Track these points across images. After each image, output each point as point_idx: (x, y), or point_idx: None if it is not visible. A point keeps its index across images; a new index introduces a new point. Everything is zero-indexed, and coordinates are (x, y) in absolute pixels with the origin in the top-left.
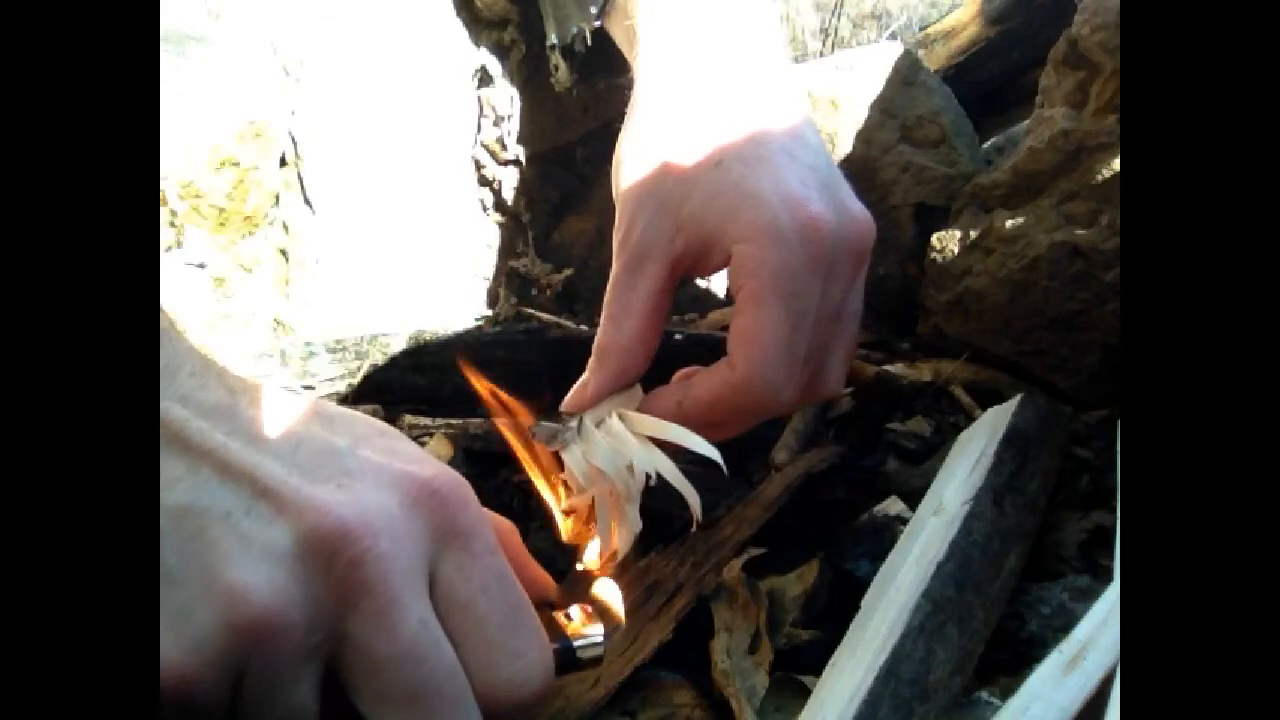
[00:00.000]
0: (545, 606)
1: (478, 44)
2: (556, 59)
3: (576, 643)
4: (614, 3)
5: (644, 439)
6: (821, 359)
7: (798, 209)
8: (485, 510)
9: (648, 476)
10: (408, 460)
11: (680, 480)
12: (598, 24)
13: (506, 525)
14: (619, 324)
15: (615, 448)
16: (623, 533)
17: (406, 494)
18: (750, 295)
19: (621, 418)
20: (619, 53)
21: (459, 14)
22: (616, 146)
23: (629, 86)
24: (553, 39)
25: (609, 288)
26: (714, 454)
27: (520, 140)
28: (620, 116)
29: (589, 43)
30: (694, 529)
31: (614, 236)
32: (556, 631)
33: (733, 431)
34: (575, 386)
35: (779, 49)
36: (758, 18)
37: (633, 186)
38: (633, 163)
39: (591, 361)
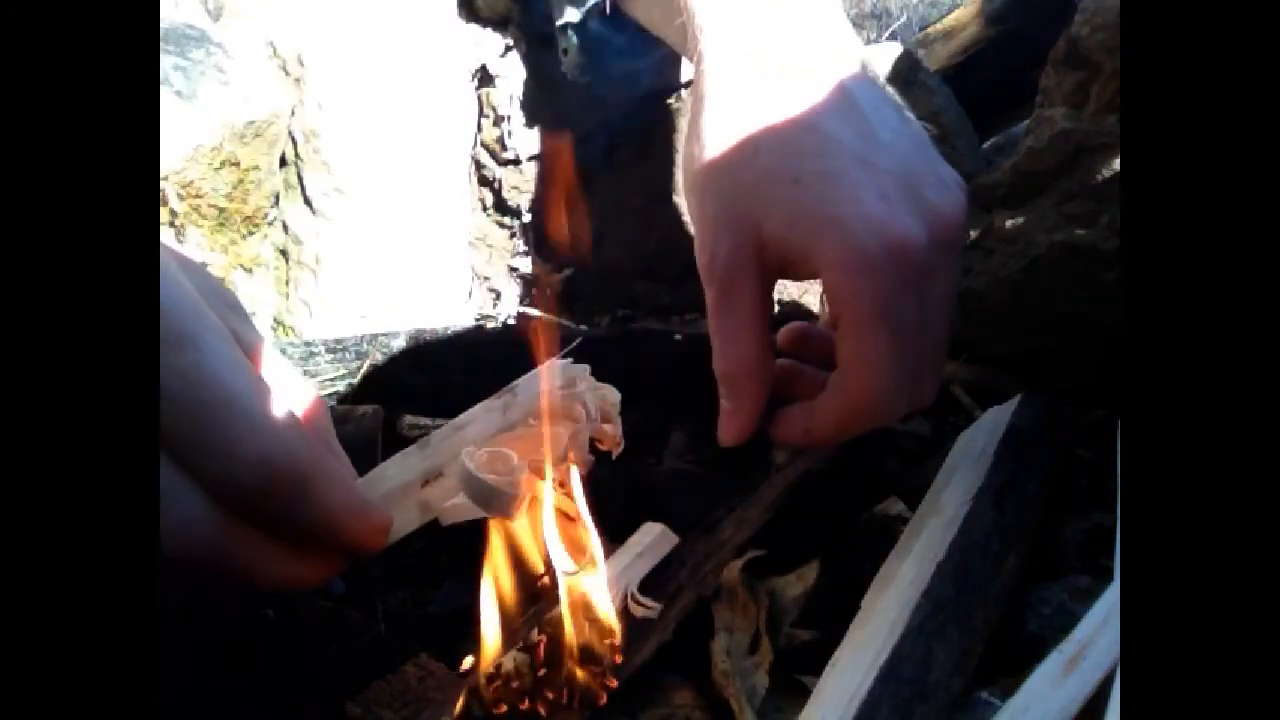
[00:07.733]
0: None
1: (478, 43)
2: (567, 41)
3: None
4: None
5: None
6: (922, 366)
7: (885, 232)
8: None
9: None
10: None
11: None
12: None
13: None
14: (732, 350)
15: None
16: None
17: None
18: (850, 324)
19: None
20: (628, 38)
21: (459, 14)
22: (684, 149)
23: (628, 84)
24: (564, 18)
25: (709, 314)
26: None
27: (520, 139)
28: (619, 115)
29: (607, 11)
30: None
31: (698, 258)
32: None
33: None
34: (722, 418)
35: (843, 25)
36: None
37: (709, 209)
38: (705, 181)
39: (724, 390)
